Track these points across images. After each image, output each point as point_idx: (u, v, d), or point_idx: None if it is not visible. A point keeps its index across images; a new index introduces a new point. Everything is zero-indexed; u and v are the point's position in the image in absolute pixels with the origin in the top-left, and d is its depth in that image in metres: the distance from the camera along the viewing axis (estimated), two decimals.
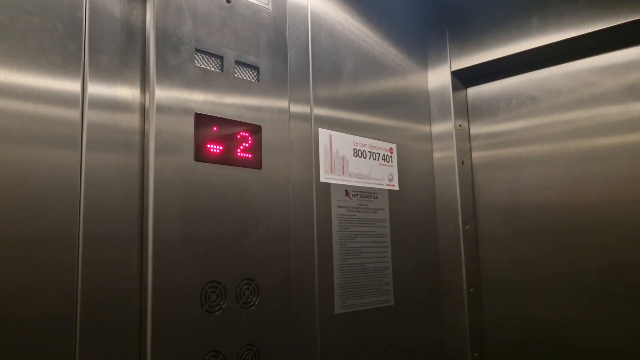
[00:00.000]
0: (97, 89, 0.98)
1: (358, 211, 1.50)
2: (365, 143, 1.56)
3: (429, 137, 1.84)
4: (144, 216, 1.01)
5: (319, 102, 1.44)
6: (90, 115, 0.96)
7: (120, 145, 1.01)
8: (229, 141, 1.14)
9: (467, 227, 1.78)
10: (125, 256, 0.99)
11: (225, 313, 1.09)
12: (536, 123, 1.72)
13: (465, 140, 1.86)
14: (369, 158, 1.57)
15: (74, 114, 0.94)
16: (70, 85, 0.95)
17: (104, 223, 0.96)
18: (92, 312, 0.93)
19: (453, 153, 1.80)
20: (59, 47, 0.94)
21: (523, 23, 1.65)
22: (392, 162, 1.65)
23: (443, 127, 1.84)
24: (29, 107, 0.89)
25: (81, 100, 0.96)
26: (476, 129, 1.87)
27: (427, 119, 1.85)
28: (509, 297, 1.74)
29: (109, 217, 0.97)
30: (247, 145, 1.18)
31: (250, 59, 1.21)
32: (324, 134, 1.44)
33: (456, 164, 1.80)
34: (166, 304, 1.00)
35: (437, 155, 1.84)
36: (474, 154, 1.86)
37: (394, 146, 1.67)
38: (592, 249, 1.56)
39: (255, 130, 1.20)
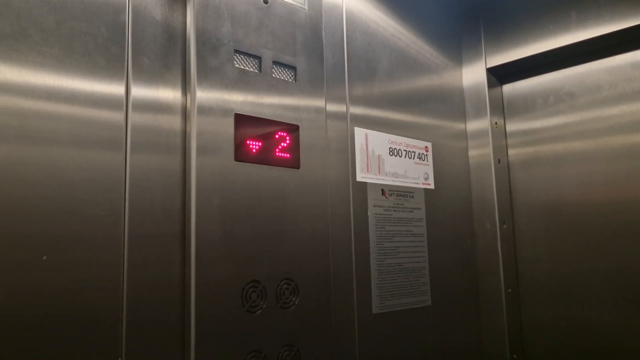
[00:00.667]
0: (140, 91, 1.00)
1: (395, 210, 1.49)
2: (401, 142, 1.55)
3: (464, 135, 1.82)
4: (186, 216, 1.02)
5: (355, 101, 1.43)
6: (134, 117, 0.98)
7: (162, 147, 1.02)
8: (267, 141, 1.15)
9: (504, 226, 1.75)
10: (168, 256, 1.00)
11: (266, 313, 1.09)
12: (575, 119, 1.68)
13: (501, 137, 1.83)
14: (405, 157, 1.55)
15: (119, 116, 0.96)
16: (114, 88, 0.96)
17: (148, 223, 0.97)
18: (138, 312, 0.94)
19: (489, 151, 1.77)
20: (104, 51, 0.95)
21: (561, 17, 1.62)
22: (427, 160, 1.63)
23: (478, 124, 1.81)
24: (75, 110, 0.91)
25: (125, 103, 0.97)
26: (512, 126, 1.84)
27: (462, 116, 1.83)
28: (549, 298, 1.70)
29: (152, 218, 0.98)
30: (285, 145, 1.18)
31: (288, 59, 1.21)
32: (360, 132, 1.43)
33: (492, 162, 1.77)
34: (209, 303, 1.00)
35: (472, 153, 1.81)
36: (511, 152, 1.83)
37: (429, 144, 1.65)
38: (637, 248, 1.52)
39: (293, 129, 1.20)
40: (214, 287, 1.02)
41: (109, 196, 0.93)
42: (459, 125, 1.81)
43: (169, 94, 1.04)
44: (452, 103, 1.79)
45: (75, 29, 0.92)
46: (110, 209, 0.93)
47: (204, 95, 1.05)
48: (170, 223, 1.01)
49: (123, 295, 0.93)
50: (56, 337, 0.85)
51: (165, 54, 1.04)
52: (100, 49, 0.95)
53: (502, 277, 1.71)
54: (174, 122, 1.04)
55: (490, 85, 1.81)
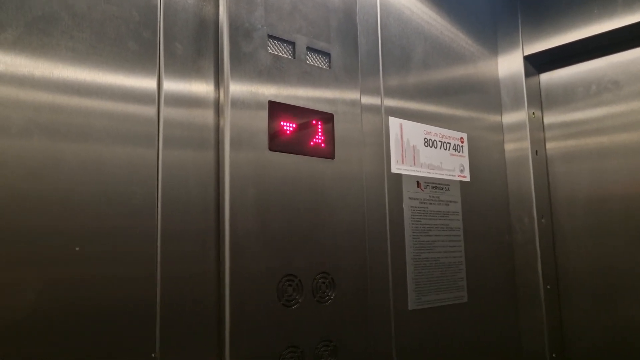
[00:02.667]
0: (173, 77, 0.96)
1: (430, 203, 1.44)
2: (436, 132, 1.50)
3: (500, 127, 1.75)
4: (220, 208, 0.99)
5: (389, 89, 1.38)
6: (167, 109, 0.95)
7: (195, 134, 0.98)
8: (302, 130, 1.10)
9: (542, 220, 1.68)
10: (203, 250, 0.96)
11: (302, 307, 1.05)
12: (620, 110, 1.60)
13: (539, 129, 1.76)
14: (440, 148, 1.50)
15: (151, 110, 0.93)
16: (146, 75, 0.93)
17: (181, 217, 0.94)
18: (172, 306, 0.91)
19: (526, 143, 1.70)
20: (135, 35, 0.92)
21: (606, 0, 1.54)
22: (463, 152, 1.58)
23: (515, 115, 1.74)
24: (107, 104, 0.88)
25: (157, 93, 0.94)
26: (551, 118, 1.76)
27: (498, 107, 1.76)
28: (590, 295, 1.63)
29: (185, 212, 0.95)
30: (320, 134, 1.14)
31: (322, 45, 1.17)
32: (394, 122, 1.38)
33: (530, 154, 1.70)
34: (244, 297, 0.97)
35: (509, 145, 1.75)
36: (549, 145, 1.76)
37: (464, 135, 1.59)
38: None
39: (327, 118, 1.15)
40: (248, 280, 0.98)
41: (141, 191, 0.90)
42: (495, 117, 1.74)
43: (202, 82, 1.01)
44: (488, 93, 1.73)
45: (107, 12, 0.89)
46: (143, 204, 0.89)
47: (237, 81, 1.01)
48: (205, 216, 0.98)
49: (157, 289, 0.90)
50: (88, 331, 0.82)
51: (198, 39, 1.01)
52: (132, 33, 0.92)
53: (540, 273, 1.65)
54: (207, 114, 1.00)
55: (528, 74, 1.74)
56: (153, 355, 0.88)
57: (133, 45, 0.92)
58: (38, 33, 0.81)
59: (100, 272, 0.84)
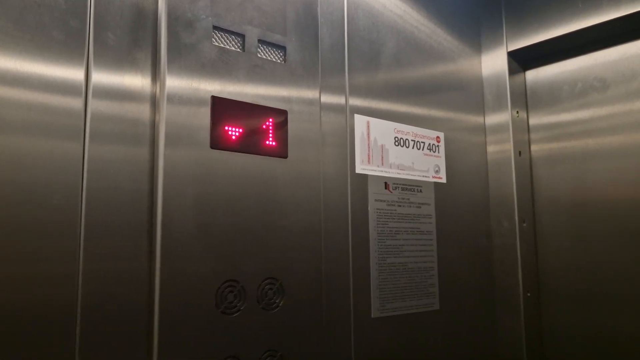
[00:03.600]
0: (104, 69, 0.90)
1: (399, 205, 1.37)
2: (408, 131, 1.43)
3: (482, 127, 1.67)
4: (154, 207, 0.93)
5: (356, 86, 1.32)
6: (95, 102, 0.89)
7: (130, 118, 0.93)
8: (250, 127, 1.04)
9: (524, 224, 1.61)
10: (132, 250, 0.91)
11: (245, 315, 0.99)
12: (607, 112, 1.52)
13: (523, 130, 1.68)
14: (413, 147, 1.43)
15: (76, 102, 0.87)
16: (72, 66, 0.87)
17: (109, 215, 0.88)
18: (94, 308, 0.85)
19: (509, 143, 1.63)
20: (61, 24, 0.87)
21: None
22: (439, 152, 1.50)
23: (498, 115, 1.66)
24: (28, 93, 0.82)
25: (85, 85, 0.88)
26: (536, 118, 1.68)
27: (480, 107, 1.68)
28: (573, 304, 1.55)
29: (114, 210, 0.89)
30: (271, 131, 1.07)
31: (276, 38, 1.11)
32: (360, 120, 1.31)
33: (512, 156, 1.62)
34: (176, 302, 0.91)
35: (491, 145, 1.67)
36: (533, 146, 1.68)
37: (441, 135, 1.52)
38: None
39: (280, 115, 1.09)
40: (183, 285, 0.92)
41: (62, 185, 0.84)
42: (477, 116, 1.67)
43: (137, 74, 0.94)
44: (469, 92, 1.65)
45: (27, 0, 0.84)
46: (65, 199, 0.84)
47: (175, 74, 0.95)
48: (136, 215, 0.92)
49: (78, 289, 0.84)
50: (2, 335, 0.77)
51: (134, 30, 0.95)
52: (57, 21, 0.86)
53: (520, 280, 1.57)
54: (143, 97, 0.95)
55: (512, 71, 1.67)
56: None
57: (58, 34, 0.86)
58: None
59: (14, 270, 0.78)
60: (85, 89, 0.88)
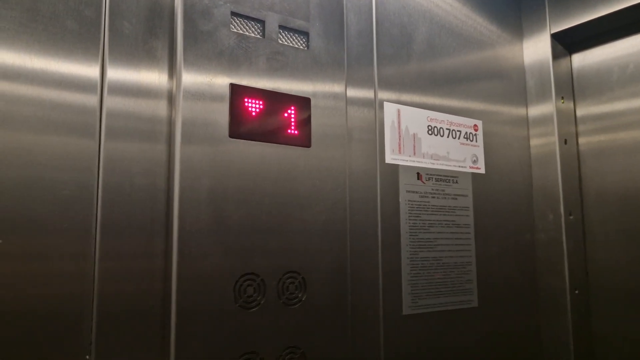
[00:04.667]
0: (120, 60, 0.89)
1: (433, 197, 1.30)
2: (443, 119, 1.36)
3: (524, 119, 1.57)
4: (170, 202, 0.91)
5: (385, 74, 1.26)
6: (110, 99, 0.87)
7: (148, 110, 0.91)
8: (270, 115, 1.01)
9: (571, 217, 1.50)
10: (148, 246, 0.89)
11: (265, 310, 0.96)
12: None
13: (569, 121, 1.57)
14: (448, 136, 1.36)
15: (93, 99, 0.86)
16: (87, 58, 0.86)
17: (125, 212, 0.87)
18: (110, 305, 0.84)
19: (554, 136, 1.52)
20: (75, 13, 0.86)
21: None
22: (476, 141, 1.42)
23: (542, 105, 1.56)
24: (43, 84, 0.82)
25: (100, 78, 0.87)
26: (583, 108, 1.57)
27: (522, 96, 1.58)
28: (625, 302, 1.44)
29: (130, 206, 0.87)
30: (293, 119, 1.04)
31: (298, 23, 1.07)
32: (390, 108, 1.25)
33: (557, 146, 1.51)
34: (193, 297, 0.89)
35: (534, 137, 1.57)
36: (580, 136, 1.57)
37: (479, 123, 1.44)
38: None
39: (302, 102, 1.05)
40: (199, 279, 0.90)
41: (78, 183, 0.83)
42: (519, 105, 1.57)
43: (153, 63, 0.93)
44: (510, 81, 1.55)
45: None
46: (79, 196, 0.83)
47: (192, 61, 0.93)
48: (153, 211, 0.90)
49: (94, 287, 0.83)
50: (10, 341, 0.76)
51: (150, 18, 0.93)
52: (71, 11, 0.85)
53: (567, 277, 1.47)
54: (160, 84, 0.93)
55: (556, 55, 1.56)
56: (87, 357, 0.81)
57: (72, 24, 0.85)
58: None
59: (28, 268, 0.78)
60: (100, 84, 0.86)
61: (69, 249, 0.81)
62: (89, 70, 0.86)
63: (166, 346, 0.87)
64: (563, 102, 1.55)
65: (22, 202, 0.78)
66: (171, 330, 0.86)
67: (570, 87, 1.59)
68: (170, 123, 0.93)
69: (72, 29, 0.85)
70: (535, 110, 1.58)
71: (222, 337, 0.91)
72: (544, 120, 1.56)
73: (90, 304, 0.82)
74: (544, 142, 1.55)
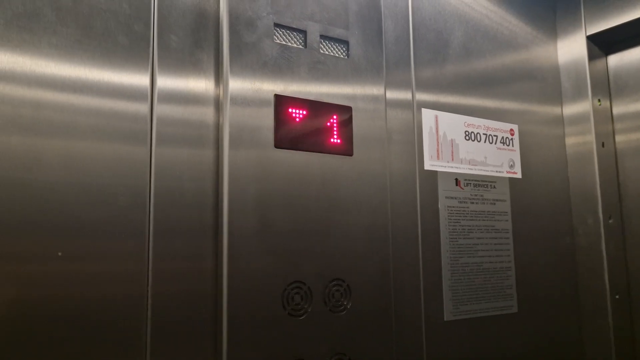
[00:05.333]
0: (168, 72, 0.91)
1: (472, 202, 1.30)
2: (480, 124, 1.35)
3: (559, 119, 1.56)
4: (219, 208, 0.92)
5: (423, 79, 1.26)
6: (160, 106, 0.89)
7: (195, 120, 0.93)
8: (313, 125, 1.02)
9: (610, 221, 1.48)
10: (198, 252, 0.91)
11: (312, 317, 0.97)
12: None
13: (606, 119, 1.55)
14: (485, 141, 1.35)
15: (144, 107, 0.88)
16: (138, 71, 0.88)
17: (175, 216, 0.89)
18: (163, 306, 0.86)
19: (591, 134, 1.51)
20: (126, 28, 0.88)
21: None
22: (513, 145, 1.42)
23: (578, 105, 1.54)
24: (93, 98, 0.84)
25: (150, 89, 0.89)
26: (621, 106, 1.55)
27: (557, 97, 1.57)
28: None
29: (180, 211, 0.89)
30: (335, 129, 1.04)
31: (338, 32, 1.08)
32: (428, 114, 1.26)
33: (595, 147, 1.50)
34: (243, 305, 0.90)
35: (570, 137, 1.56)
36: (618, 136, 1.55)
37: (515, 127, 1.43)
38: None
39: (344, 111, 1.06)
40: (249, 286, 0.91)
41: (131, 189, 0.85)
42: (554, 107, 1.56)
43: (200, 75, 0.94)
44: (545, 82, 1.54)
45: (94, 6, 0.85)
46: (133, 201, 0.85)
47: (238, 73, 0.94)
48: (202, 215, 0.92)
49: (147, 290, 0.85)
50: (70, 340, 0.78)
51: (196, 31, 0.95)
52: (122, 26, 0.87)
53: (607, 281, 1.45)
54: (206, 97, 0.95)
55: (592, 56, 1.54)
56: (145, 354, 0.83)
57: (123, 39, 0.87)
58: (18, 30, 0.79)
59: (86, 270, 0.80)
60: (150, 94, 0.88)
61: (124, 251, 0.83)
62: (139, 80, 0.88)
63: (219, 353, 0.88)
64: (600, 104, 1.53)
65: (82, 207, 0.81)
66: (223, 336, 0.88)
67: (606, 88, 1.57)
68: (218, 129, 0.94)
69: (124, 44, 0.87)
70: (571, 110, 1.56)
71: (271, 343, 0.92)
72: (579, 119, 1.54)
73: (146, 303, 0.84)
74: (581, 141, 1.53)
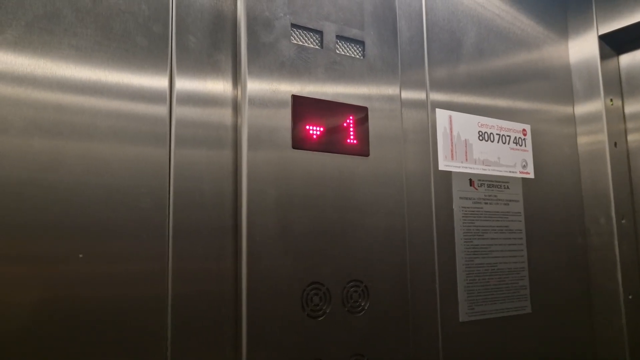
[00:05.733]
0: (186, 73, 0.91)
1: (486, 203, 1.30)
2: (493, 124, 1.35)
3: (571, 118, 1.56)
4: (238, 209, 0.92)
5: (436, 79, 1.26)
6: (179, 108, 0.89)
7: (213, 121, 0.93)
8: (330, 126, 1.02)
9: (623, 221, 1.48)
10: (218, 253, 0.90)
11: (330, 318, 0.96)
12: None
13: (618, 118, 1.55)
14: (498, 142, 1.35)
15: (163, 109, 0.88)
16: (157, 72, 0.88)
17: (195, 217, 0.89)
18: (184, 305, 0.86)
19: (603, 134, 1.50)
20: (145, 30, 0.87)
21: None
22: (525, 145, 1.41)
23: (589, 104, 1.54)
24: (113, 100, 0.84)
25: (169, 91, 0.89)
26: (633, 106, 1.55)
27: (569, 96, 1.57)
28: None
29: (200, 211, 0.89)
30: (351, 129, 1.04)
31: (354, 32, 1.07)
32: (442, 115, 1.25)
33: (607, 146, 1.50)
34: (263, 306, 0.90)
35: (582, 137, 1.55)
36: (631, 136, 1.55)
37: (527, 127, 1.43)
38: None
39: (360, 112, 1.06)
40: (268, 287, 0.91)
41: (151, 190, 0.85)
42: (566, 106, 1.55)
43: (218, 76, 0.94)
44: (556, 81, 1.54)
45: (113, 7, 0.85)
46: (153, 203, 0.85)
47: (256, 74, 0.94)
48: (221, 216, 0.91)
49: (168, 291, 0.84)
50: (92, 341, 0.78)
51: (214, 32, 0.95)
52: (141, 28, 0.87)
53: (620, 281, 1.45)
54: (224, 98, 0.94)
55: (604, 56, 1.54)
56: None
57: (142, 40, 0.87)
58: (39, 32, 0.79)
59: (106, 271, 0.80)
60: (169, 95, 0.88)
61: (145, 252, 0.83)
62: (158, 82, 0.88)
63: (238, 346, 0.88)
64: (612, 104, 1.52)
65: (102, 208, 0.80)
66: (243, 336, 0.87)
67: (618, 87, 1.56)
68: (236, 130, 0.94)
69: (142, 45, 0.87)
70: (583, 109, 1.56)
71: (291, 344, 0.91)
72: (591, 119, 1.54)
73: (166, 303, 0.84)
74: (593, 141, 1.53)
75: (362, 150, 1.05)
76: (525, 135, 1.42)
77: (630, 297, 1.45)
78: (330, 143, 1.01)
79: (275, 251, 0.92)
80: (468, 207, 1.26)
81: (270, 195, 0.93)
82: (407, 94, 1.19)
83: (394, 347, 1.03)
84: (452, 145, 1.26)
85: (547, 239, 1.42)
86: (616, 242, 1.46)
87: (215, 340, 0.88)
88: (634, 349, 1.43)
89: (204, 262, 0.88)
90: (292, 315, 0.93)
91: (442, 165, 1.23)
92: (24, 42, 0.77)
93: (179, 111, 0.89)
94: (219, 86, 0.94)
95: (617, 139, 1.52)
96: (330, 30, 1.04)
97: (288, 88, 0.97)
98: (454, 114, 1.27)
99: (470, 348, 1.21)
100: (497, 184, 1.33)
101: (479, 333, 1.23)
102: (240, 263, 0.90)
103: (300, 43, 1.00)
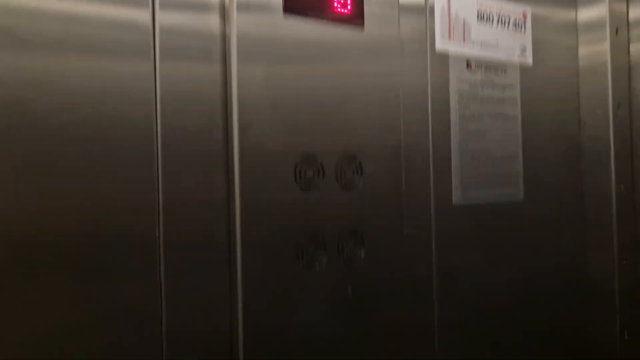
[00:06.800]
0: None
1: (482, 87, 1.25)
2: (492, 4, 1.28)
3: (573, 1, 1.49)
4: (227, 81, 0.87)
5: None
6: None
7: None
8: None
9: (619, 109, 1.45)
10: (208, 127, 0.86)
11: (324, 193, 0.94)
12: None
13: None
14: (497, 24, 1.29)
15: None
16: None
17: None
18: (174, 188, 0.83)
19: (605, 19, 1.44)
20: None
21: None
22: (524, 30, 1.35)
23: None
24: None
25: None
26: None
27: None
28: None
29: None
30: None
31: None
32: None
33: (608, 33, 1.44)
34: (255, 179, 0.87)
35: (582, 24, 1.49)
36: (632, 13, 1.48)
37: (528, 10, 1.36)
38: None
39: None
40: (260, 159, 0.87)
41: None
42: None
43: None
44: None
45: None
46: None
47: None
48: (212, 88, 0.86)
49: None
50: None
51: None
52: None
53: (613, 172, 1.44)
54: None
55: None
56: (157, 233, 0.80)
57: None
58: None
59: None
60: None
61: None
62: None
63: (232, 222, 0.85)
64: None
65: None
66: (236, 207, 0.85)
67: None
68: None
69: None
70: None
71: (285, 217, 0.90)
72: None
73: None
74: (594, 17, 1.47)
75: (357, 19, 0.99)
76: (525, 19, 1.35)
77: (622, 187, 1.45)
78: (322, 10, 0.94)
79: (268, 122, 0.88)
80: (464, 90, 1.22)
81: (260, 64, 0.88)
82: None
83: (388, 224, 1.03)
84: (449, 25, 1.19)
85: (541, 127, 1.39)
86: (611, 133, 1.44)
87: (209, 218, 0.86)
88: (623, 234, 1.44)
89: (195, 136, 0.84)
90: (286, 188, 0.90)
91: (439, 45, 1.18)
92: None
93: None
94: None
95: (618, 24, 1.46)
96: None
97: None
98: None
99: (463, 230, 1.21)
100: (495, 67, 1.28)
101: (472, 216, 1.22)
102: (231, 133, 0.86)
103: None
